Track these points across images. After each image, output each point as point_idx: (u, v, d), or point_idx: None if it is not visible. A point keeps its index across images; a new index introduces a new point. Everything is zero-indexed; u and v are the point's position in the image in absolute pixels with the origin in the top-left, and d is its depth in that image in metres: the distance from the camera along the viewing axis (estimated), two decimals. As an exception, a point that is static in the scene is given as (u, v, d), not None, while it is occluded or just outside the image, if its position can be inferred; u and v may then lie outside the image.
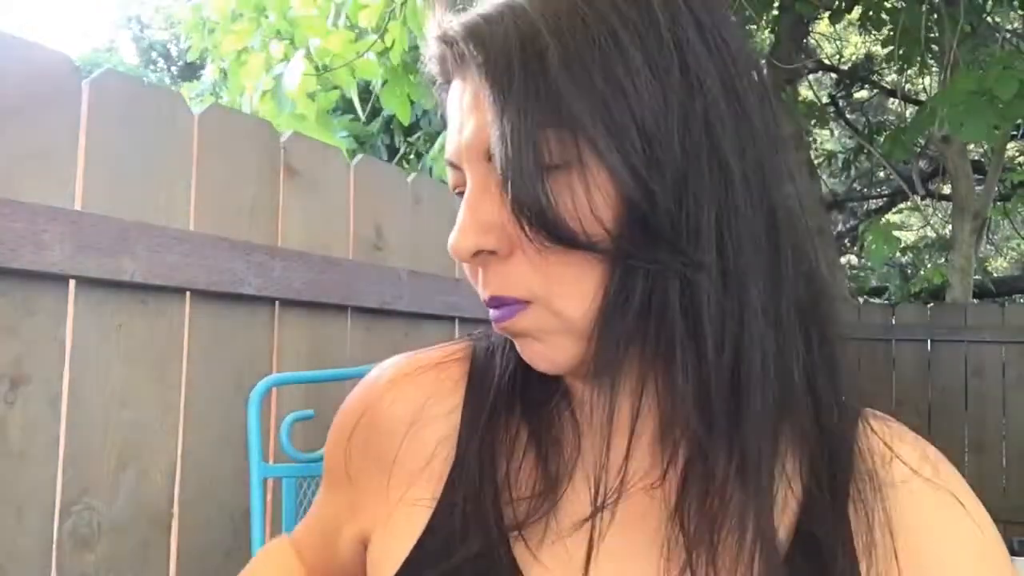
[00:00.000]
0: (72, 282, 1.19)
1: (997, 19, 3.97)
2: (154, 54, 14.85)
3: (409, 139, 5.42)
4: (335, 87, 3.29)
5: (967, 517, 0.53)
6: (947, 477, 0.54)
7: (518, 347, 0.53)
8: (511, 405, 0.58)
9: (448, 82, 0.54)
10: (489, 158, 0.49)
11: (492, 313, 0.51)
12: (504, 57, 0.47)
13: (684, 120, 0.46)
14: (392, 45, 3.15)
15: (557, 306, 0.49)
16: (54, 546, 1.15)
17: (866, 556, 0.50)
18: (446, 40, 0.51)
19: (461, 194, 0.52)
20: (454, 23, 0.51)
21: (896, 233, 3.57)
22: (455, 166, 0.53)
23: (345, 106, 3.39)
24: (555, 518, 0.54)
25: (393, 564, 0.55)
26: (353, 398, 0.64)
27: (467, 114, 0.50)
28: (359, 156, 1.88)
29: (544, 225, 0.46)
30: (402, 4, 3.01)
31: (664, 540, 0.51)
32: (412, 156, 5.35)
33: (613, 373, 0.49)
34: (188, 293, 1.36)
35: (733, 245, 0.47)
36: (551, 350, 0.51)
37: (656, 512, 0.53)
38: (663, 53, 0.46)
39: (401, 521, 0.57)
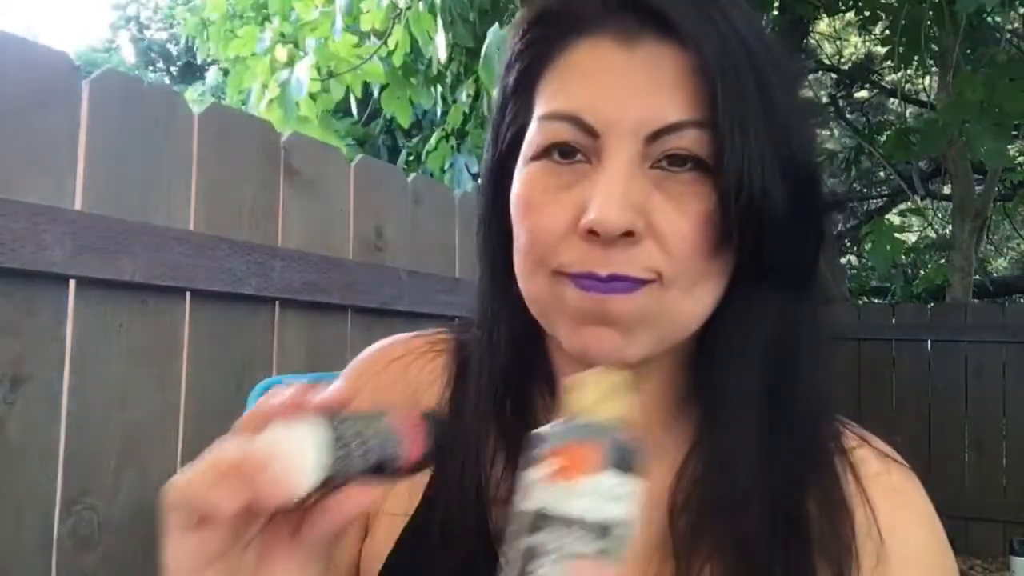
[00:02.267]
0: (72, 282, 1.19)
1: (997, 19, 3.97)
2: (153, 54, 14.85)
3: (409, 142, 5.42)
4: (326, 91, 3.28)
5: (922, 521, 0.55)
6: (901, 480, 0.56)
7: (584, 334, 0.50)
8: (494, 410, 0.57)
9: (576, 31, 0.52)
10: (650, 140, 0.49)
11: (598, 284, 0.49)
12: (732, 64, 0.49)
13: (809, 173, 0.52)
14: (395, 49, 3.15)
15: (675, 294, 0.49)
16: (54, 546, 1.15)
17: (834, 561, 0.52)
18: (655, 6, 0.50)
19: (558, 148, 0.51)
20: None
21: (897, 235, 3.55)
22: (587, 126, 0.50)
23: (345, 109, 3.39)
24: None
25: (375, 566, 0.55)
26: (346, 382, 0.63)
27: (650, 87, 0.49)
28: (359, 156, 1.88)
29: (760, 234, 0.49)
30: (407, 8, 3.01)
31: (654, 548, 0.52)
32: (411, 158, 5.34)
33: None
34: (188, 293, 1.36)
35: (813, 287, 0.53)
36: (630, 344, 0.50)
37: (646, 520, 0.54)
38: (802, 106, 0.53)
39: (382, 526, 0.57)
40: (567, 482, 0.39)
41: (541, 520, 0.38)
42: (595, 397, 0.42)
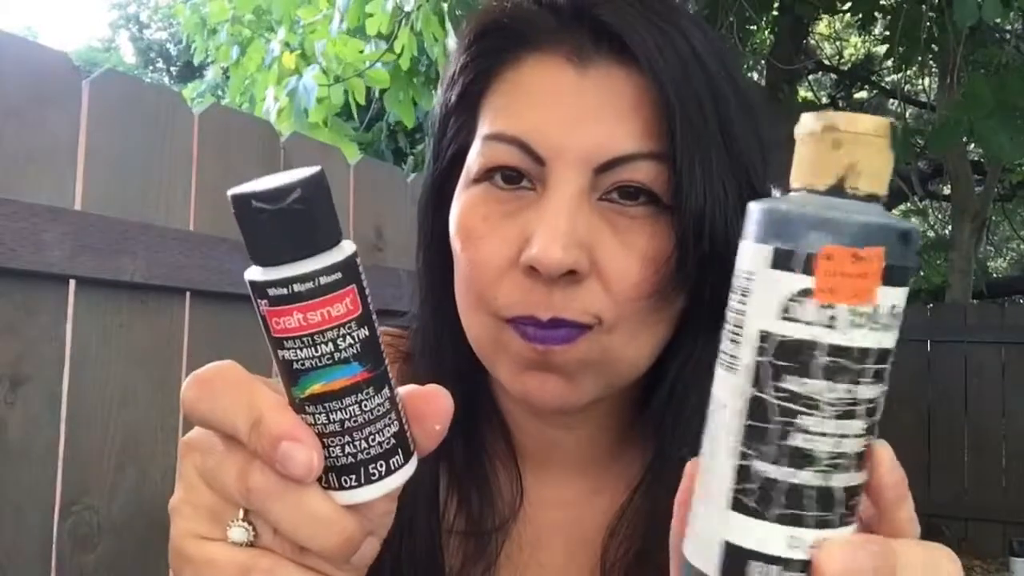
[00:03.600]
0: (72, 282, 1.19)
1: (997, 19, 3.97)
2: (152, 54, 14.85)
3: (414, 149, 5.42)
4: (325, 97, 3.27)
5: None
6: None
7: (526, 379, 0.48)
8: (444, 450, 0.55)
9: (525, 46, 0.48)
10: (599, 170, 0.45)
11: (538, 332, 0.45)
12: (692, 92, 0.45)
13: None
14: (401, 52, 3.14)
15: (617, 339, 0.46)
16: (54, 546, 1.15)
17: None
18: (621, 27, 0.46)
19: (502, 172, 0.47)
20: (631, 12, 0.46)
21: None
22: (532, 152, 0.46)
23: (347, 112, 3.38)
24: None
25: None
26: None
27: (602, 113, 0.46)
28: (359, 156, 1.88)
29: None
30: (417, 8, 3.00)
31: None
32: (418, 165, 5.35)
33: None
34: (188, 293, 1.36)
35: None
36: (574, 390, 0.47)
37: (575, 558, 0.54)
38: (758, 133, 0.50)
39: None
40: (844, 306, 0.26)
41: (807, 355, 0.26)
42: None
